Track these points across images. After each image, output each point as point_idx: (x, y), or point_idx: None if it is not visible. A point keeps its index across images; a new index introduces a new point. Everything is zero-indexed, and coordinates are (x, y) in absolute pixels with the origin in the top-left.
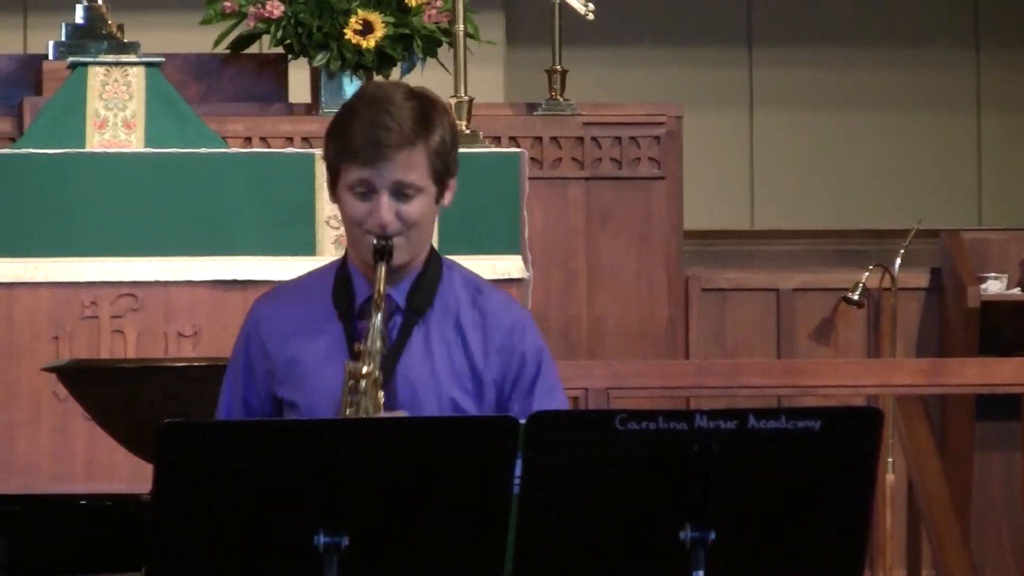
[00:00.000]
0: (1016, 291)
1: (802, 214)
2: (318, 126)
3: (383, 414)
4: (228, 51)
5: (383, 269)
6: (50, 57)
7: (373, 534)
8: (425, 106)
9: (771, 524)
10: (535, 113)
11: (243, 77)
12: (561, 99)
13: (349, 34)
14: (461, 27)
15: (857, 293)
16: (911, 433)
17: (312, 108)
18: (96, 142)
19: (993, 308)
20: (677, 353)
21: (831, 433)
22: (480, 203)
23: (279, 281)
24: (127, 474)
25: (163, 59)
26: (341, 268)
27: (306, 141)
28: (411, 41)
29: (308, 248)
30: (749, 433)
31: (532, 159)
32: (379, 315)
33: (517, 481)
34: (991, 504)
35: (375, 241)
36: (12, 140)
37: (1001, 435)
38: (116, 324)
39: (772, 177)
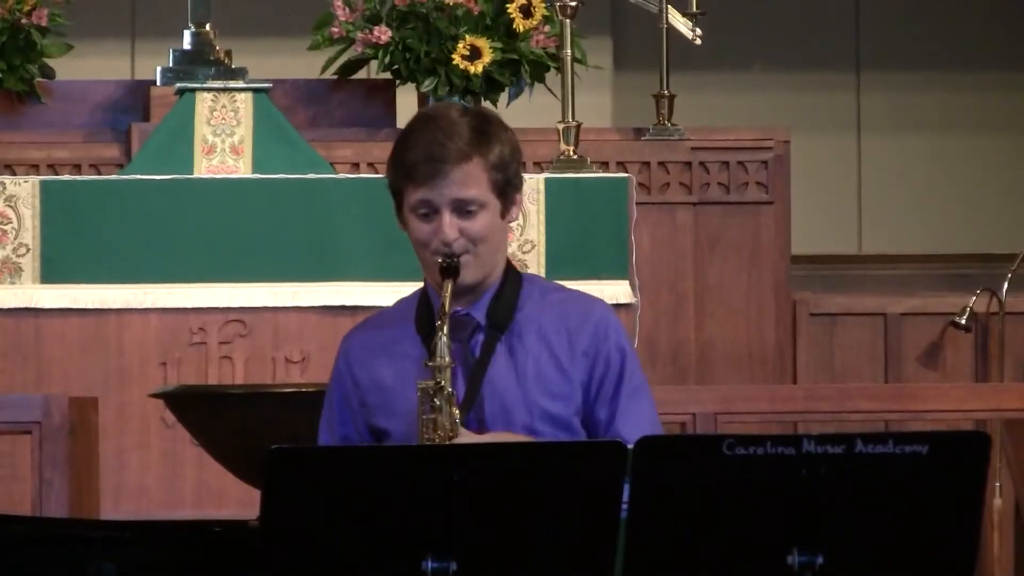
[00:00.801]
0: None
1: (910, 238)
2: None
3: (463, 435)
4: (336, 76)
5: (451, 286)
6: (158, 83)
7: (481, 559)
8: (481, 121)
9: (878, 549)
10: (643, 138)
11: (351, 102)
12: (669, 124)
13: (457, 59)
14: (569, 52)
15: (965, 317)
16: (1019, 457)
17: None
18: (204, 168)
19: None
20: (785, 378)
21: (939, 458)
22: (588, 228)
23: (386, 307)
24: (236, 500)
25: (271, 84)
26: (422, 295)
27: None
28: (519, 66)
29: (417, 273)
30: (857, 458)
31: (640, 184)
32: (444, 329)
33: (624, 506)
34: None
35: (440, 260)
36: (120, 166)
37: None
38: (224, 350)
39: (880, 201)
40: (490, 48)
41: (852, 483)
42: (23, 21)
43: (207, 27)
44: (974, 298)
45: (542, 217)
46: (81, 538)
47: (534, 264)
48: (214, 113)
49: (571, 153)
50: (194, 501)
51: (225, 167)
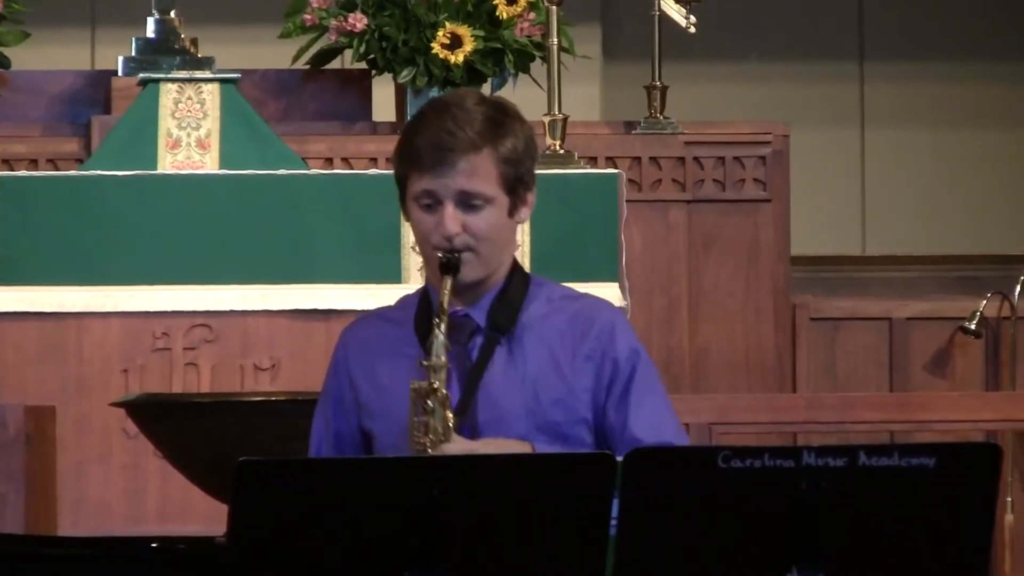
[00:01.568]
0: None
1: (916, 239)
2: None
3: (455, 440)
4: (308, 67)
5: (449, 282)
6: (120, 73)
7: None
8: (497, 111)
9: (883, 567)
10: (634, 132)
11: (324, 94)
12: (661, 117)
13: (437, 48)
14: (555, 41)
15: (975, 322)
16: None
17: (397, 127)
18: (169, 163)
19: None
20: (784, 386)
21: (947, 471)
22: (575, 227)
23: (362, 311)
24: (202, 515)
25: (239, 75)
26: (424, 292)
27: (391, 162)
28: (502, 56)
29: (394, 276)
30: (860, 471)
31: (630, 181)
32: (442, 328)
33: (614, 522)
34: None
35: (440, 255)
36: (80, 161)
37: None
38: (189, 356)
39: (885, 199)
40: (472, 36)
41: (855, 498)
42: None
43: (172, 14)
44: (984, 302)
45: None
46: (37, 556)
47: None
48: (179, 105)
49: (558, 148)
50: (158, 517)
51: (191, 162)
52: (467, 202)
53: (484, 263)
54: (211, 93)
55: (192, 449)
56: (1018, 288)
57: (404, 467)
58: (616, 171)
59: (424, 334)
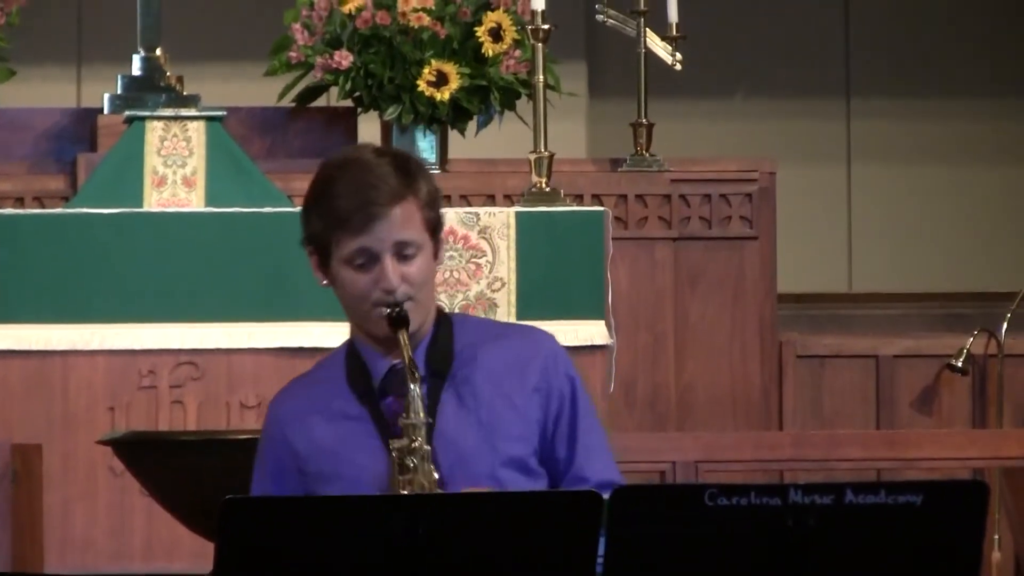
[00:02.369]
0: None
1: (903, 276)
2: None
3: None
4: (294, 104)
5: (405, 336)
6: (105, 111)
7: None
8: (400, 160)
9: None
10: (619, 169)
11: (310, 132)
12: (647, 154)
13: (422, 86)
14: (541, 78)
15: (961, 360)
16: (1019, 508)
17: None
18: (154, 201)
19: None
20: (771, 423)
21: (934, 508)
22: (561, 265)
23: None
24: (188, 552)
25: (225, 112)
26: (350, 350)
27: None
28: (488, 93)
29: None
30: (847, 508)
31: (616, 218)
32: (416, 385)
33: (600, 560)
34: None
35: (386, 311)
36: (66, 199)
37: None
38: (175, 394)
39: (871, 236)
40: (458, 74)
41: (842, 535)
42: None
43: (157, 52)
44: (971, 339)
45: (513, 253)
46: None
47: (504, 303)
48: (165, 143)
49: (543, 185)
50: (144, 554)
51: (177, 200)
52: (401, 252)
53: (423, 309)
54: (197, 131)
55: (178, 487)
56: (1005, 325)
57: (390, 505)
58: (602, 208)
59: (361, 390)
